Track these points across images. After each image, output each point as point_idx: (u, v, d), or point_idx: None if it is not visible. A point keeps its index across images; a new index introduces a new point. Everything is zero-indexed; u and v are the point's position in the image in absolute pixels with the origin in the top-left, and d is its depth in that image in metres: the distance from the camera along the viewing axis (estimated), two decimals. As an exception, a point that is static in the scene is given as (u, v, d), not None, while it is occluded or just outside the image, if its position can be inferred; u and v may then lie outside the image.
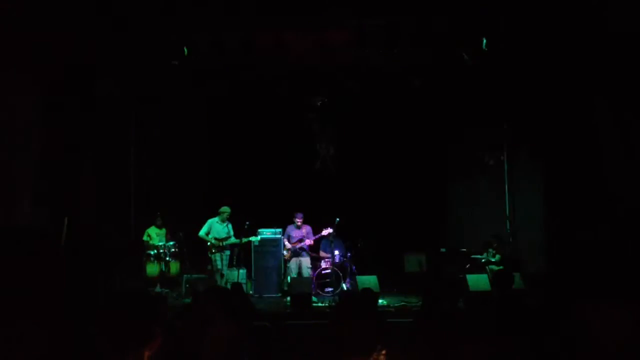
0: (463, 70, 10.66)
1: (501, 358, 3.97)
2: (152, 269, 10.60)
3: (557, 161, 9.53)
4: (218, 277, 10.24)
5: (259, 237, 10.76)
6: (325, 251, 10.76)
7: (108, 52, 9.24)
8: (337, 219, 10.38)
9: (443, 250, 11.16)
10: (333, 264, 10.24)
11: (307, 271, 10.48)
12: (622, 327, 4.37)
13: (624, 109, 8.29)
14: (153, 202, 11.13)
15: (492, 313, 5.11)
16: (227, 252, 10.43)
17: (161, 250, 10.61)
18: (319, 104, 12.67)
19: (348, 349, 2.49)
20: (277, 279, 10.94)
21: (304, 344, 5.58)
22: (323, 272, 10.24)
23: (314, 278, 10.09)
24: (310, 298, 9.35)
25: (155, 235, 10.90)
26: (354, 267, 10.47)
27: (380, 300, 9.25)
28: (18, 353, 3.59)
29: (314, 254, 10.83)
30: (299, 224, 10.71)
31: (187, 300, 9.04)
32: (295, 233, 10.75)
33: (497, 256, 10.15)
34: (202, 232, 10.41)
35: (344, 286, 10.09)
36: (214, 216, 10.50)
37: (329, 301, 9.67)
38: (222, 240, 10.35)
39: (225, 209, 10.44)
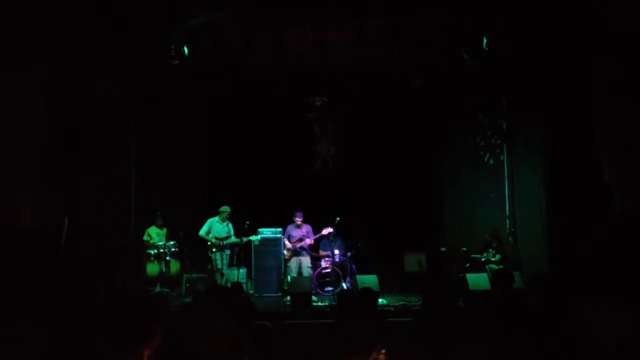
0: (463, 70, 10.68)
1: (501, 357, 3.97)
2: (153, 268, 10.60)
3: (558, 161, 9.53)
4: (218, 277, 10.25)
5: (259, 237, 10.77)
6: (325, 250, 10.77)
7: (108, 52, 9.24)
8: (337, 219, 10.39)
9: (443, 249, 11.17)
10: (333, 263, 10.25)
11: (307, 270, 10.49)
12: (622, 327, 4.38)
13: (624, 108, 8.29)
14: (153, 201, 11.13)
15: (492, 312, 5.11)
16: (228, 252, 10.44)
17: (161, 250, 10.61)
18: (318, 103, 12.67)
19: (348, 348, 2.50)
20: (277, 279, 10.95)
21: (304, 344, 5.58)
22: (323, 271, 10.25)
23: (314, 277, 10.10)
24: (310, 297, 9.35)
25: (155, 235, 10.90)
26: (353, 267, 10.48)
27: (380, 300, 9.24)
28: (18, 353, 3.59)
29: (314, 254, 10.84)
30: (299, 223, 10.71)
31: (187, 300, 9.04)
32: (295, 232, 10.76)
33: (497, 256, 10.15)
34: (202, 232, 10.43)
35: (344, 285, 10.10)
36: (214, 216, 10.52)
37: (329, 300, 9.68)
38: (222, 239, 10.36)
39: (226, 209, 10.45)
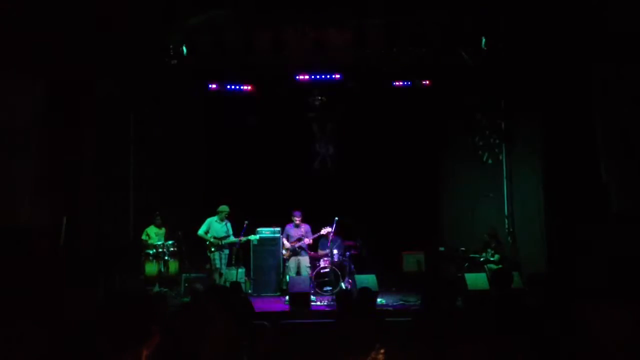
0: (462, 70, 10.68)
1: (500, 357, 3.98)
2: (151, 268, 10.60)
3: (556, 161, 9.52)
4: (217, 276, 10.25)
5: (257, 236, 10.77)
6: (324, 250, 10.77)
7: (108, 52, 9.24)
8: (336, 218, 10.39)
9: (442, 249, 11.16)
10: (332, 263, 10.24)
11: (305, 270, 10.49)
12: (622, 327, 4.39)
13: (624, 108, 8.30)
14: (152, 201, 11.13)
15: (490, 312, 5.11)
16: (226, 251, 10.44)
17: (160, 250, 10.61)
18: (317, 103, 12.68)
19: (347, 348, 2.51)
20: (276, 278, 10.96)
21: (303, 343, 5.58)
22: (322, 271, 10.24)
23: (313, 277, 10.10)
24: (309, 297, 9.34)
25: (154, 235, 10.90)
26: (352, 266, 10.47)
27: (379, 299, 9.25)
28: (18, 353, 3.59)
29: (312, 253, 10.84)
30: (298, 222, 10.71)
31: (186, 300, 9.05)
32: (294, 232, 10.76)
33: (496, 255, 10.15)
34: (201, 231, 10.43)
35: (343, 285, 10.09)
36: (213, 215, 10.52)
37: (328, 300, 9.69)
38: (221, 239, 10.36)
39: (224, 208, 10.45)
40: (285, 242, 10.79)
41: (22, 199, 8.00)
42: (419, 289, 9.30)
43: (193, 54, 10.16)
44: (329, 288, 10.05)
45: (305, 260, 10.64)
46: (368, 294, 5.78)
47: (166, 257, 10.61)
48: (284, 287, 10.50)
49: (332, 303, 9.36)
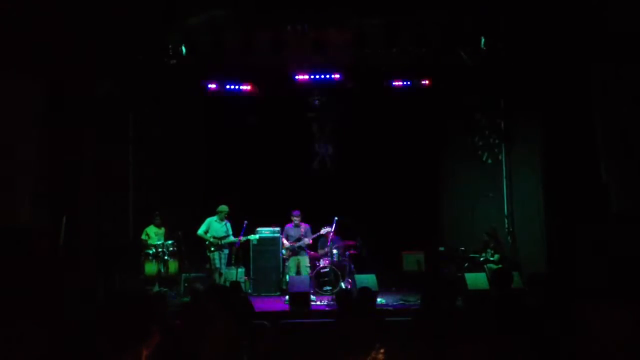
0: (462, 70, 10.69)
1: (500, 357, 3.98)
2: (151, 268, 10.60)
3: (556, 160, 9.53)
4: (216, 276, 10.25)
5: (257, 236, 10.78)
6: (323, 250, 10.77)
7: (108, 52, 9.24)
8: (336, 218, 10.39)
9: (441, 249, 11.17)
10: (331, 262, 10.24)
11: (305, 270, 10.49)
12: (622, 327, 4.39)
13: (624, 108, 8.30)
14: (152, 201, 11.13)
15: (490, 312, 5.11)
16: (226, 251, 10.45)
17: (160, 249, 10.61)
18: (317, 103, 12.68)
19: (347, 347, 2.51)
20: (276, 278, 10.96)
21: (303, 343, 5.59)
22: (321, 270, 10.24)
23: (313, 277, 10.10)
24: (309, 297, 9.34)
25: (153, 235, 10.90)
26: (352, 266, 10.47)
27: (378, 299, 9.25)
28: (18, 353, 3.59)
29: (312, 253, 10.83)
30: (297, 221, 10.70)
31: (186, 299, 9.05)
32: (293, 232, 10.76)
33: (496, 255, 10.16)
34: (200, 231, 10.43)
35: (343, 285, 10.09)
36: (213, 215, 10.52)
37: (328, 300, 9.69)
38: (220, 239, 10.36)
39: (224, 208, 10.46)
40: (284, 241, 10.79)
41: (22, 199, 8.00)
42: (419, 289, 9.28)
43: (193, 54, 10.14)
44: (328, 288, 10.04)
45: (305, 260, 10.64)
46: (368, 294, 5.78)
47: (166, 257, 10.61)
48: (284, 287, 10.50)
49: (332, 303, 9.36)
